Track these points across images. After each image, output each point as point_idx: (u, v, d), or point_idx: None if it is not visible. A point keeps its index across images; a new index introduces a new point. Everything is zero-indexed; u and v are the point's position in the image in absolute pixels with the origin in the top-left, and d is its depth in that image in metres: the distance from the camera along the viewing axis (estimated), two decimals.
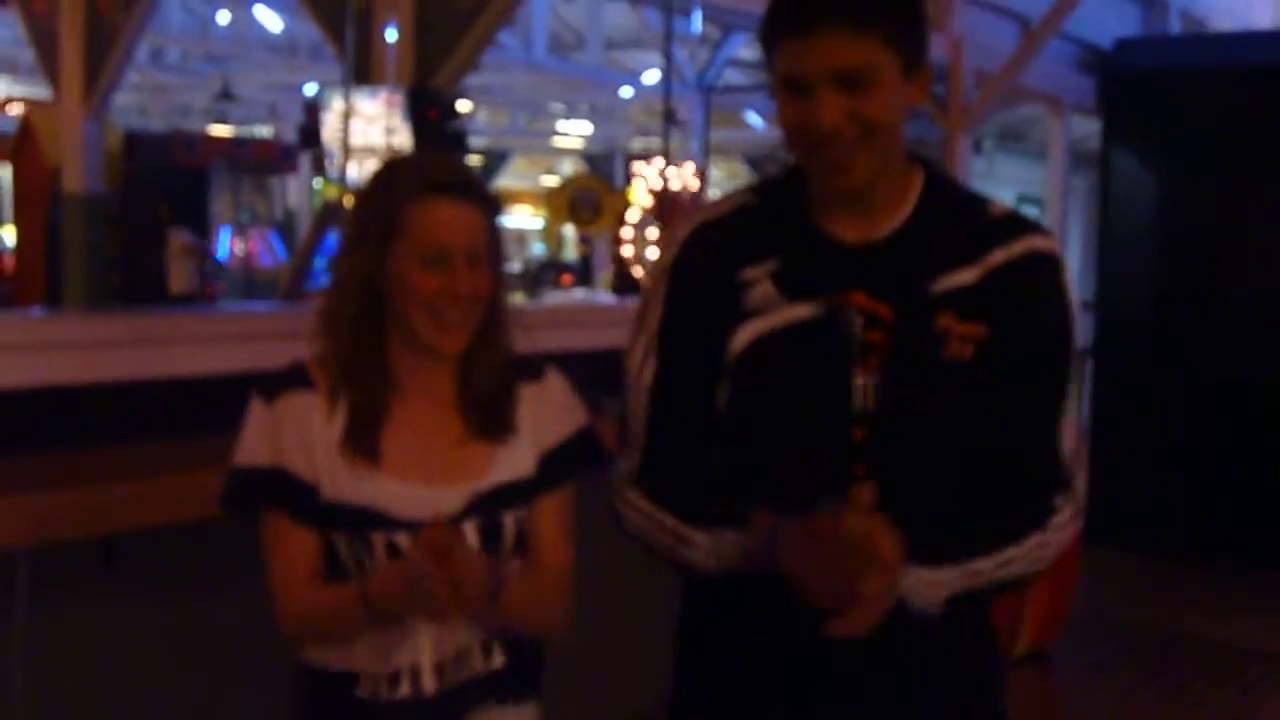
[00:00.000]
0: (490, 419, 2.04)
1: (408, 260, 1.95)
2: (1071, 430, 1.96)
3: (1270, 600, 7.03)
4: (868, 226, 1.92)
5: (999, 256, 1.91)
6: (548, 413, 2.09)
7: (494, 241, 2.02)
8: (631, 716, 2.84)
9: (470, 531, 2.00)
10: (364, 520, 1.97)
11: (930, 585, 1.82)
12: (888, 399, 1.85)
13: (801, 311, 1.88)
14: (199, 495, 2.79)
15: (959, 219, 1.95)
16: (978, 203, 1.99)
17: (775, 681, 1.95)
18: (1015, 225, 1.96)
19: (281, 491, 1.98)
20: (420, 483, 1.98)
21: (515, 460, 2.05)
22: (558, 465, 2.09)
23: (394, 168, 2.04)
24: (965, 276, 1.89)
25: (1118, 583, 7.32)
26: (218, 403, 3.34)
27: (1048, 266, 1.94)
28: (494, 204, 2.04)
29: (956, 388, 1.87)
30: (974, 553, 1.86)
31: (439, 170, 2.00)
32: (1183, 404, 7.93)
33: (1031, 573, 1.93)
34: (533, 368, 2.11)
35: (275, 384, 2.02)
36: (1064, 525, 1.94)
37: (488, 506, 2.02)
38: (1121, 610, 6.93)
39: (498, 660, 2.07)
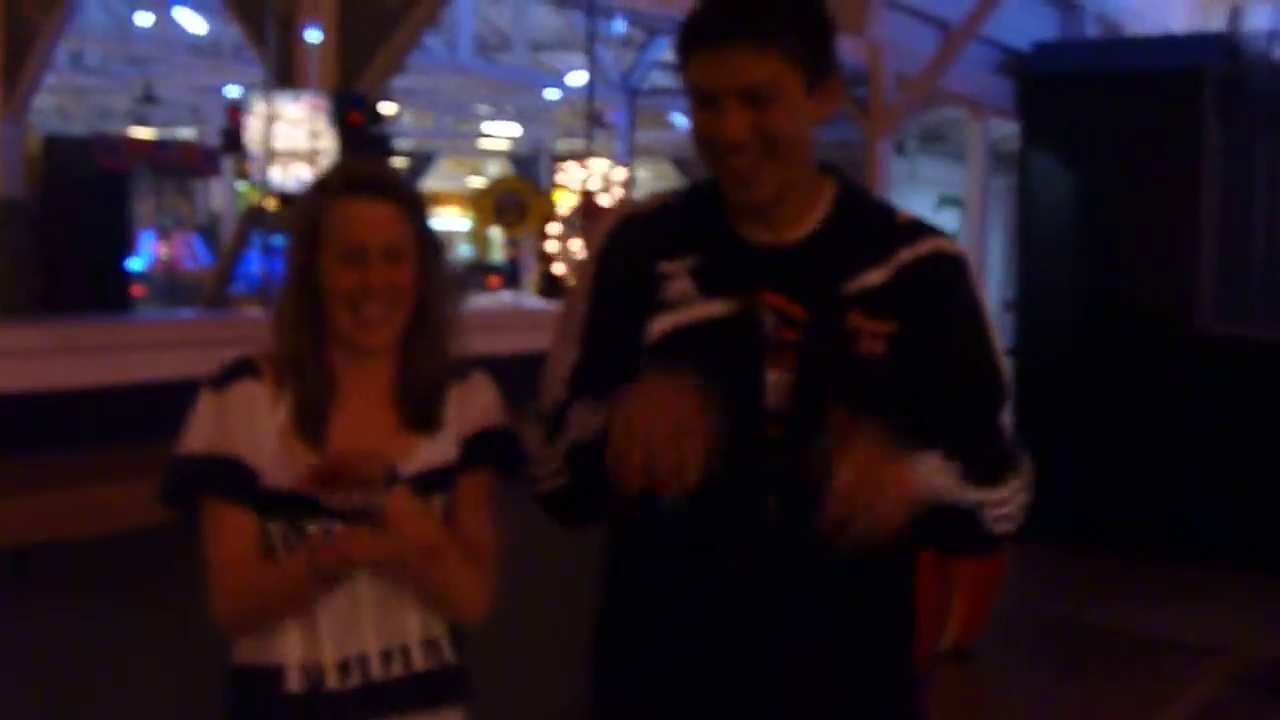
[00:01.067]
0: (421, 413, 2.09)
1: (329, 258, 2.01)
2: (1008, 415, 2.03)
3: (1187, 593, 7.16)
4: (779, 231, 1.97)
5: (906, 255, 1.97)
6: (471, 408, 2.13)
7: (421, 239, 2.07)
8: (558, 713, 2.87)
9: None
10: (300, 509, 2.00)
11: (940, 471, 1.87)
12: (802, 395, 1.90)
13: (715, 308, 1.93)
14: (116, 506, 2.80)
15: (869, 225, 2.01)
16: (886, 211, 2.06)
17: (692, 672, 1.98)
18: (922, 230, 2.02)
19: (224, 477, 2.01)
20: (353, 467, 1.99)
21: (440, 448, 2.09)
22: (477, 448, 2.13)
23: (324, 175, 2.12)
24: (874, 276, 1.95)
25: (1039, 578, 7.41)
26: (140, 412, 3.34)
27: (953, 265, 2.00)
28: (415, 201, 2.09)
29: (870, 383, 1.92)
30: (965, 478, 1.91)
31: (357, 172, 2.07)
32: (1102, 400, 8.06)
33: (1001, 532, 1.98)
34: (460, 369, 2.15)
35: (224, 374, 2.05)
36: (1017, 492, 1.99)
37: (414, 491, 2.03)
38: (1043, 605, 7.03)
39: (438, 656, 2.09)
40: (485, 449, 2.13)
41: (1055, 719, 5.46)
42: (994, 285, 12.08)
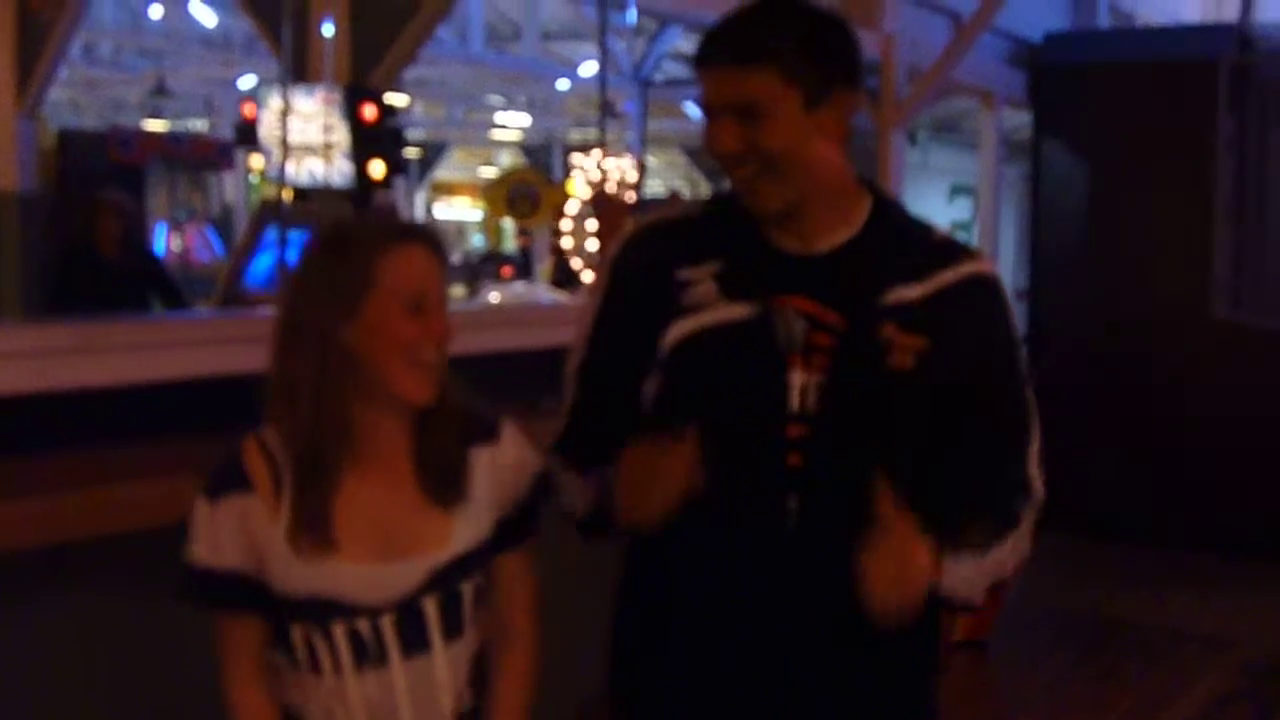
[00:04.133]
0: (446, 486, 2.02)
1: (387, 308, 1.92)
2: (1038, 449, 2.06)
3: (1202, 583, 7.18)
4: (809, 241, 2.01)
5: (948, 276, 2.02)
6: (505, 475, 2.08)
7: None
8: (578, 704, 2.90)
9: (430, 606, 2.01)
10: (323, 611, 1.97)
11: (960, 576, 1.94)
12: (829, 399, 1.93)
13: (739, 311, 1.97)
14: (147, 502, 2.82)
15: (904, 240, 2.05)
16: (921, 228, 2.10)
17: (710, 667, 2.02)
18: (960, 251, 2.07)
19: (230, 593, 1.99)
20: (378, 562, 1.98)
21: (472, 528, 2.04)
22: (516, 529, 2.11)
23: (348, 226, 2.04)
24: (911, 292, 1.99)
25: (1055, 566, 7.41)
26: (164, 409, 3.37)
27: (990, 288, 2.06)
28: (446, 250, 2.05)
29: (896, 395, 1.96)
30: (981, 543, 1.97)
31: (399, 222, 2.05)
32: (1117, 389, 8.07)
33: (1003, 579, 2.04)
34: (487, 427, 2.09)
35: (216, 484, 1.99)
36: (1028, 533, 2.06)
37: (446, 579, 2.02)
38: (1057, 594, 7.05)
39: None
40: (525, 524, 2.11)
41: (1068, 709, 5.49)
42: (1006, 274, 12.08)
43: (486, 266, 18.07)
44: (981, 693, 5.87)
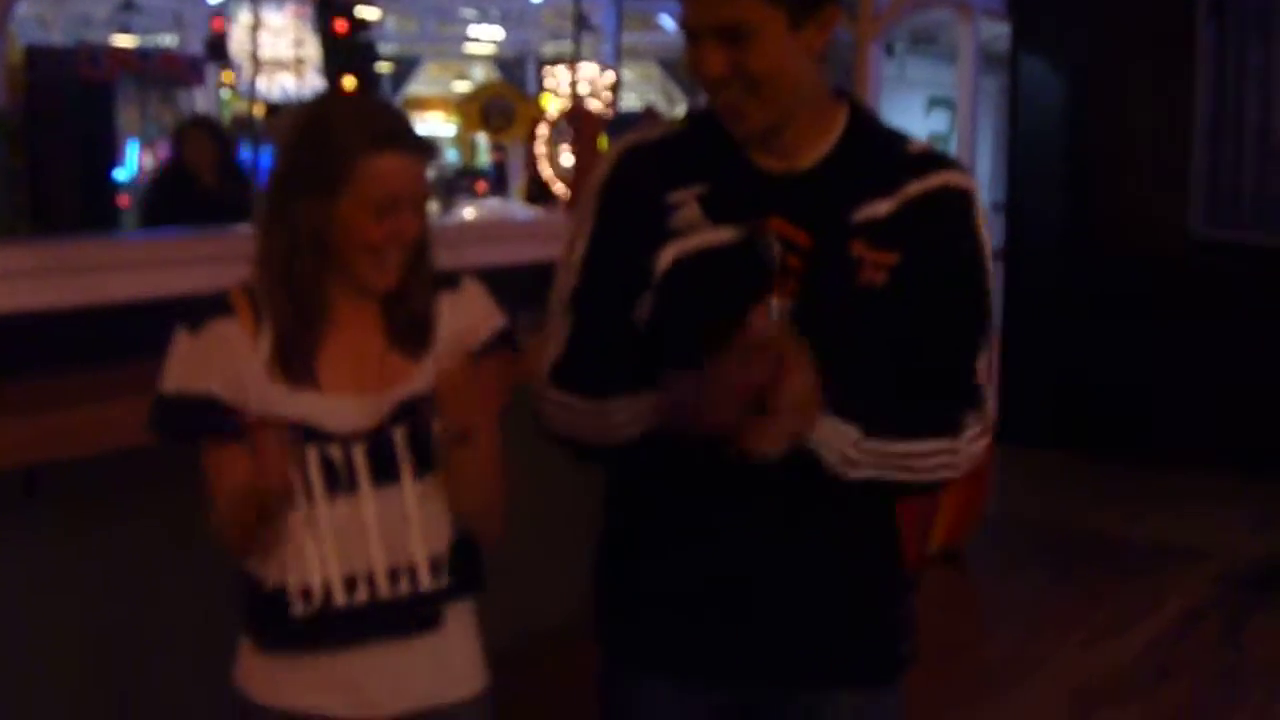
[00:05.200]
0: (413, 335, 2.10)
1: (358, 210, 1.99)
2: (987, 359, 2.04)
3: (1177, 497, 7.24)
4: (789, 158, 2.00)
5: (914, 189, 1.99)
6: (467, 318, 2.15)
7: (430, 184, 2.11)
8: (562, 619, 2.92)
9: (399, 437, 2.07)
10: (296, 435, 2.02)
11: (842, 440, 1.89)
12: (801, 321, 1.92)
13: (723, 234, 1.95)
14: (121, 424, 2.81)
15: (879, 154, 2.03)
16: (897, 140, 2.07)
17: (690, 583, 2.03)
18: (932, 161, 2.04)
19: (212, 417, 2.03)
20: (350, 394, 2.05)
21: (440, 363, 2.10)
22: (485, 359, 2.14)
23: (335, 116, 2.06)
24: (881, 207, 1.97)
25: (1031, 481, 7.50)
26: (136, 330, 3.34)
27: (961, 200, 2.02)
28: (432, 151, 2.11)
29: (869, 313, 1.95)
30: (885, 432, 1.93)
31: (387, 122, 2.04)
32: (1092, 303, 8.08)
33: (936, 480, 2.02)
34: (450, 279, 2.17)
35: (199, 314, 2.05)
36: (973, 440, 2.02)
37: (415, 412, 2.08)
38: (1034, 508, 7.11)
39: (444, 577, 2.13)
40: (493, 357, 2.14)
41: (1044, 622, 5.55)
42: (984, 186, 12.04)
43: (461, 182, 17.96)
44: (957, 604, 5.92)
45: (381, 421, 2.06)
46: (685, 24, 1.92)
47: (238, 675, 2.17)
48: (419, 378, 2.09)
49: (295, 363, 2.04)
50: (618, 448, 1.98)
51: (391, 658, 2.12)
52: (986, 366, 2.04)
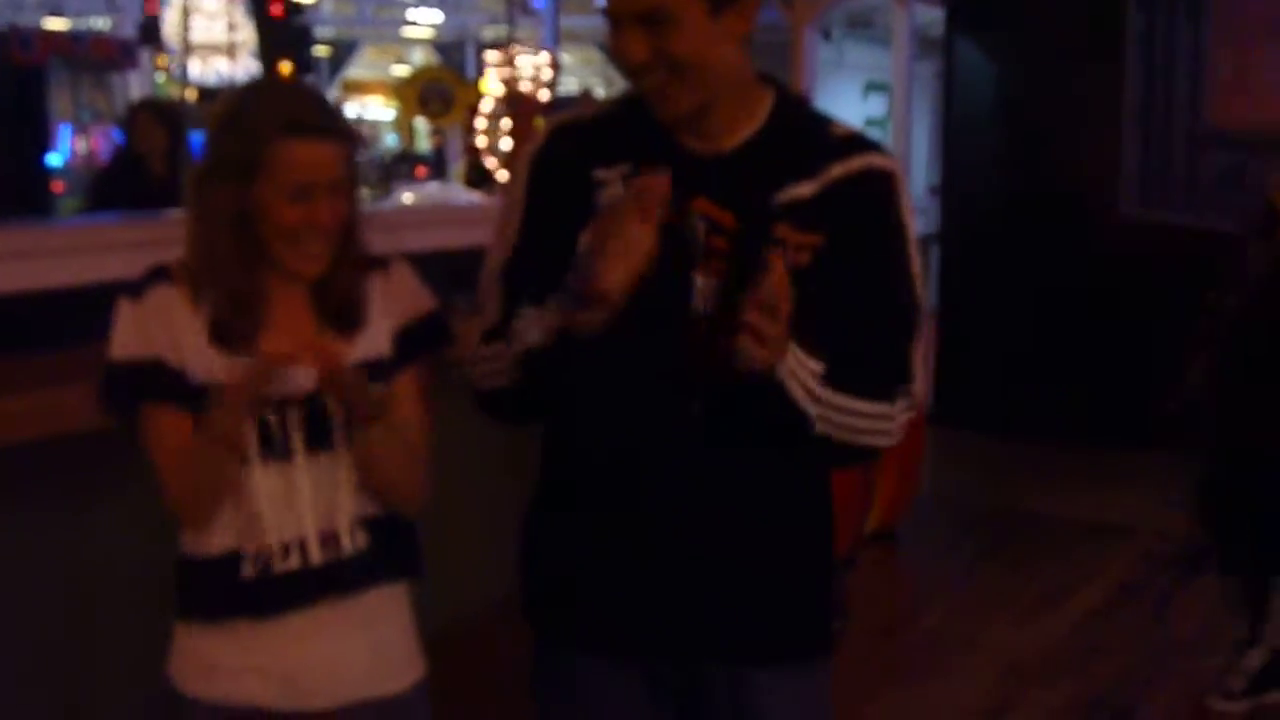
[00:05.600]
0: (344, 314, 2.13)
1: (272, 195, 2.02)
2: (916, 338, 2.07)
3: (1103, 476, 7.33)
4: (715, 141, 2.03)
5: (837, 171, 2.02)
6: (396, 297, 2.18)
7: (353, 169, 2.10)
8: (495, 601, 2.94)
9: (333, 404, 2.08)
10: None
11: (807, 374, 1.93)
12: (726, 301, 1.95)
13: None
14: (67, 410, 2.81)
15: (803, 137, 2.06)
16: (822, 123, 2.11)
17: (616, 564, 2.07)
18: (856, 145, 2.07)
19: (154, 380, 2.05)
20: (285, 364, 2.04)
21: (370, 342, 2.14)
22: (410, 342, 2.18)
23: (252, 102, 2.10)
24: (804, 189, 2.00)
25: (961, 462, 7.57)
26: (73, 316, 3.33)
27: (884, 182, 2.05)
28: (353, 137, 2.13)
29: (795, 294, 1.96)
30: (836, 382, 1.96)
31: (300, 108, 2.05)
32: (1025, 287, 8.16)
33: (872, 445, 2.05)
34: (379, 261, 2.20)
35: (139, 283, 2.09)
36: (903, 410, 2.06)
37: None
38: (965, 489, 7.19)
39: (365, 541, 2.15)
40: (418, 340, 2.19)
41: (976, 600, 5.63)
42: (920, 170, 12.14)
43: (400, 167, 17.89)
44: (891, 584, 5.99)
45: (316, 388, 2.06)
46: (608, 10, 1.95)
47: (171, 666, 2.18)
48: (355, 351, 2.11)
49: (233, 336, 2.06)
50: (521, 364, 1.98)
51: (326, 646, 2.13)
52: (916, 345, 2.08)
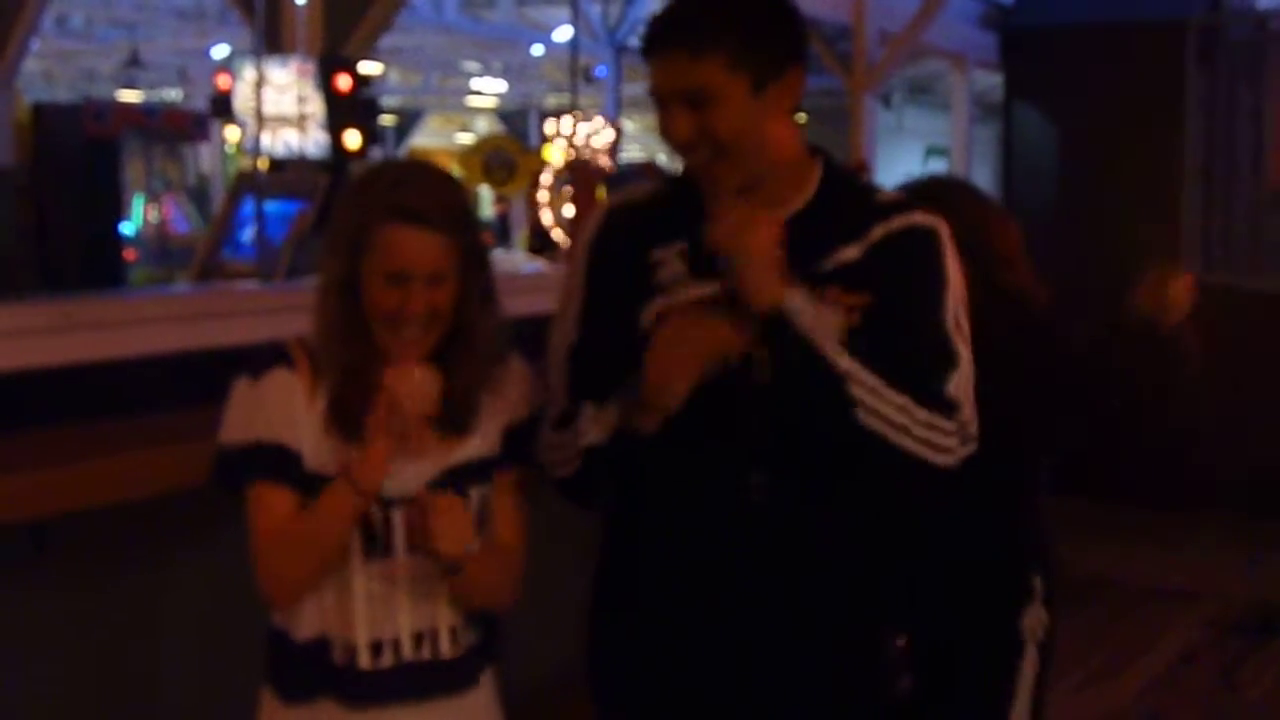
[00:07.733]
0: (458, 418, 2.13)
1: (372, 275, 2.06)
2: (958, 378, 2.04)
3: (1168, 538, 7.25)
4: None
5: (879, 232, 2.05)
6: (509, 396, 2.19)
7: (466, 256, 2.10)
8: (560, 672, 2.96)
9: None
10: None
11: (823, 323, 1.94)
12: (778, 371, 1.97)
13: (705, 289, 2.01)
14: (128, 477, 2.86)
15: (849, 205, 2.10)
16: (869, 191, 2.15)
17: (684, 635, 2.08)
18: (899, 207, 2.10)
19: (267, 463, 2.08)
20: (396, 457, 2.07)
21: (481, 439, 2.16)
22: (517, 441, 2.19)
23: (372, 181, 2.14)
24: (850, 253, 2.04)
25: None
26: (144, 384, 3.41)
27: (926, 238, 2.08)
28: (461, 226, 2.10)
29: (850, 353, 1.97)
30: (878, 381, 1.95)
31: (411, 195, 2.06)
32: (1089, 349, 8.10)
33: (933, 446, 1.98)
34: (499, 357, 2.19)
35: (259, 363, 2.12)
36: (955, 433, 2.01)
37: (456, 481, 2.12)
38: None
39: (464, 643, 2.17)
40: (523, 443, 2.19)
41: None
42: None
43: None
44: None
45: (423, 486, 2.08)
46: (652, 90, 2.00)
47: None
48: (465, 446, 2.14)
49: (348, 417, 2.06)
50: (583, 460, 2.03)
51: (415, 717, 2.15)
52: (960, 384, 2.04)
